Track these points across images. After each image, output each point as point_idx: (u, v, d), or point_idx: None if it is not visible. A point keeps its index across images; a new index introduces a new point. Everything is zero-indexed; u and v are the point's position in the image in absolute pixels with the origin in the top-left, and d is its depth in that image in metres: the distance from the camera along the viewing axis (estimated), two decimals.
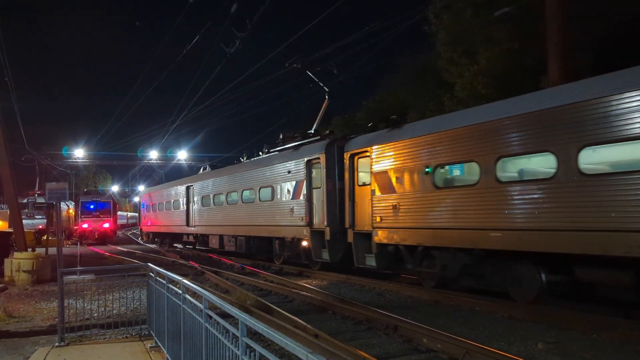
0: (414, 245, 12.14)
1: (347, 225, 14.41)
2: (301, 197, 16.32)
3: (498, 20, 18.12)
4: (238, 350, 3.67)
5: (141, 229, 38.20)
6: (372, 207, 13.36)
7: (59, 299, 8.20)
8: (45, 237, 28.03)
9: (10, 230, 19.40)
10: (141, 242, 40.78)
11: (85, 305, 9.25)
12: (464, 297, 10.85)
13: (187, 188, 27.40)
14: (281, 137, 20.04)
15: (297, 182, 16.70)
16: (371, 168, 13.48)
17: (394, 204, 12.63)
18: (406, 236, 12.33)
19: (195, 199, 26.07)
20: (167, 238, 32.95)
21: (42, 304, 11.84)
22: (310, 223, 15.91)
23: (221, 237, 23.10)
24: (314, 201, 15.93)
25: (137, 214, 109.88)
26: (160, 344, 7.43)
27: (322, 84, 19.51)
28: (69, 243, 36.79)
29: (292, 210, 16.83)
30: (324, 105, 19.58)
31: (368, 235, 13.62)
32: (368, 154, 13.71)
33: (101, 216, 39.32)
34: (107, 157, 50.21)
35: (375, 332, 8.50)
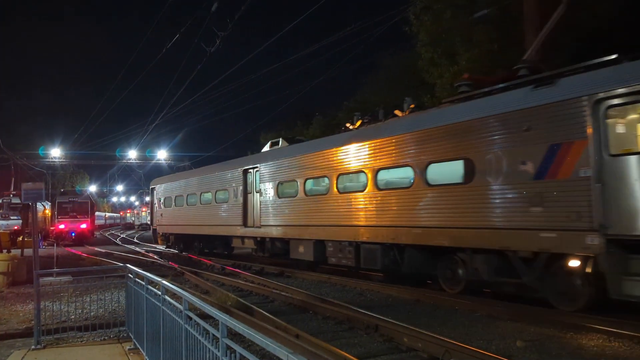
0: None
1: None
2: (573, 175, 8.63)
3: (478, 22, 18.32)
4: (218, 351, 3.65)
5: (154, 229, 29.29)
6: None
7: (35, 301, 8.06)
8: (20, 238, 27.58)
9: None
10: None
11: (62, 307, 9.10)
12: (444, 296, 10.93)
13: (245, 172, 19.49)
14: (466, 75, 12.80)
15: (552, 145, 8.95)
16: None
17: None
18: None
19: (263, 187, 18.08)
20: (199, 242, 24.50)
21: (18, 306, 11.61)
22: (604, 226, 8.20)
23: (320, 243, 15.19)
24: (619, 181, 8.17)
25: (115, 215, 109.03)
26: (139, 346, 7.35)
27: None
28: (46, 244, 36.22)
29: (534, 200, 9.22)
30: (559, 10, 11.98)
31: None
32: None
33: (78, 217, 38.77)
34: (85, 156, 49.45)
35: (357, 332, 8.51)
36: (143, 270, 7.59)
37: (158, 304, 5.96)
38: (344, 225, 13.98)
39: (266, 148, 19.72)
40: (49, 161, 47.67)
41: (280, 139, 19.10)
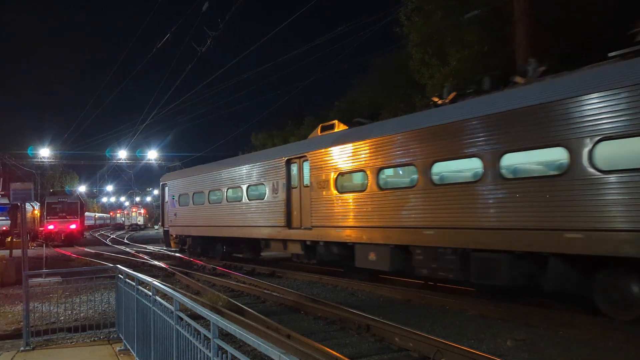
0: None
1: None
2: None
3: (468, 23, 18.42)
4: (210, 352, 3.63)
5: (166, 231, 26.13)
6: None
7: (24, 302, 8.00)
8: (9, 239, 27.35)
9: None
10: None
11: (52, 308, 9.04)
12: (435, 296, 10.96)
13: (289, 163, 16.14)
14: None
15: None
16: None
17: None
18: None
19: (315, 180, 14.71)
20: (223, 244, 21.25)
21: (7, 308, 11.52)
22: None
23: (400, 249, 11.94)
24: None
25: (105, 215, 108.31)
26: (129, 347, 7.31)
27: None
28: (34, 245, 35.92)
29: None
30: None
31: None
32: None
33: (68, 217, 38.51)
34: (74, 156, 49.23)
35: (348, 332, 8.52)
36: (133, 270, 7.56)
37: (149, 304, 5.93)
38: (442, 227, 10.78)
39: (318, 132, 16.21)
40: (37, 161, 47.36)
41: (336, 122, 15.79)
